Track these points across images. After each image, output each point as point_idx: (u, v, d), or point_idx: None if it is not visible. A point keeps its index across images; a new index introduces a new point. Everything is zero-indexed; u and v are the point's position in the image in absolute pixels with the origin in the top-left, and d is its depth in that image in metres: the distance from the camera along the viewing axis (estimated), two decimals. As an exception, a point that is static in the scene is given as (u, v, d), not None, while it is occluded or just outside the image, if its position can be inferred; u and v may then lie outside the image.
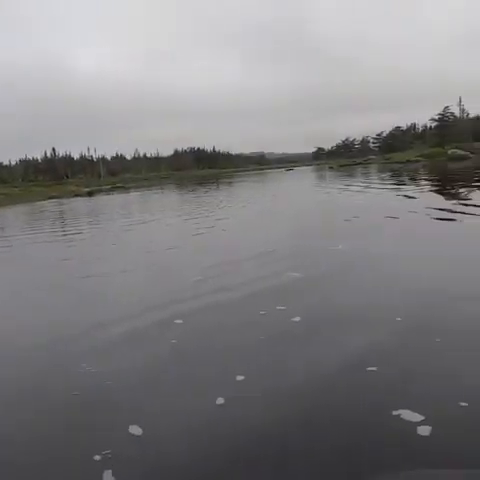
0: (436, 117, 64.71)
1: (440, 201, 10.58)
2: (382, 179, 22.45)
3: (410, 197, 12.05)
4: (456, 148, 48.26)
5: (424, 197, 11.92)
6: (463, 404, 2.08)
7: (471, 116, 67.08)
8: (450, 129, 61.16)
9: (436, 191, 14.03)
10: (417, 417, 2.00)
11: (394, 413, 2.05)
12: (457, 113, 65.38)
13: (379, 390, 2.30)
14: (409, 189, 14.92)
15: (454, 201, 10.21)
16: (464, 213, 7.96)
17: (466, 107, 66.71)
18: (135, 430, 2.07)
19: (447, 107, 64.06)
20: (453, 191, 13.58)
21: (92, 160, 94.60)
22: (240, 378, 2.52)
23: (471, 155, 44.63)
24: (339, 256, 5.57)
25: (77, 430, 2.17)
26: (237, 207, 14.34)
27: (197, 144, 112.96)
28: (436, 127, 65.27)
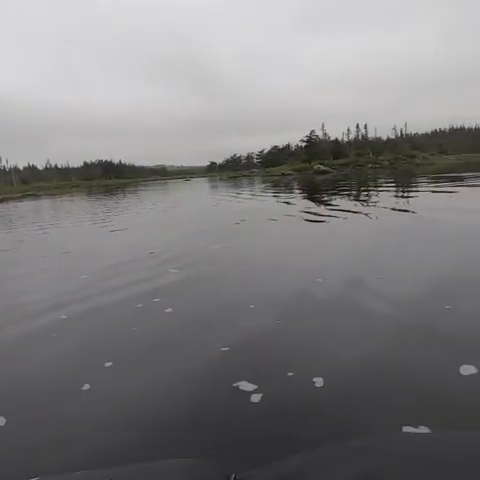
0: (305, 139, 68.58)
1: (311, 206, 11.14)
2: (265, 189, 23.17)
3: (288, 203, 12.57)
4: (320, 164, 51.46)
5: (299, 203, 12.47)
6: (290, 374, 2.18)
7: (332, 139, 72.29)
8: (315, 148, 65.16)
9: (308, 198, 14.80)
10: (251, 387, 2.06)
11: (234, 385, 2.10)
12: (321, 136, 70.09)
13: (227, 366, 2.33)
14: (287, 197, 15.56)
15: (322, 206, 10.86)
16: (330, 216, 8.48)
17: (328, 131, 72.12)
18: (-1, 421, 1.90)
19: (313, 131, 68.46)
20: (320, 198, 14.39)
21: (4, 170, 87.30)
22: (108, 364, 2.43)
23: (331, 170, 47.95)
24: (217, 254, 5.60)
25: None
26: (138, 213, 13.97)
27: (105, 157, 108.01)
28: (305, 147, 69.01)
